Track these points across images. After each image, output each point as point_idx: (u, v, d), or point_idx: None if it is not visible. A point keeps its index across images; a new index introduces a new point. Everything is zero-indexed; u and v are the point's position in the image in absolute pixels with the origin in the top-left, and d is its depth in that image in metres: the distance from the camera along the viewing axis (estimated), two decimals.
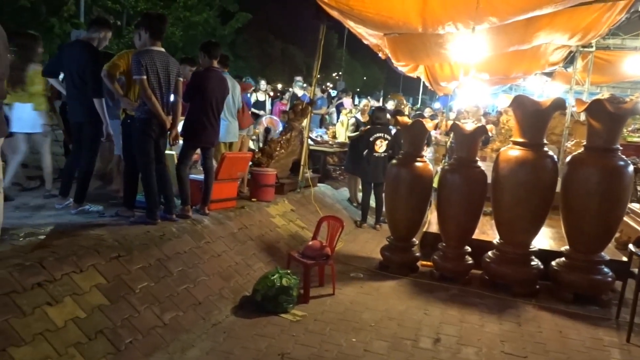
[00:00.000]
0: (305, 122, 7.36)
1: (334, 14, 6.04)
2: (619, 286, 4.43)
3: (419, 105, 20.42)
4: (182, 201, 4.81)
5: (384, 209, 6.35)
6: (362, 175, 7.49)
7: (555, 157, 4.82)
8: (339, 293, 4.55)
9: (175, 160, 5.07)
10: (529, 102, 4.68)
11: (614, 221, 4.55)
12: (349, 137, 8.26)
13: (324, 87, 15.22)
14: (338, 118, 11.42)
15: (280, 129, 8.32)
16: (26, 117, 5.02)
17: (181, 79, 4.64)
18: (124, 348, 3.09)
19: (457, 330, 3.94)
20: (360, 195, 7.80)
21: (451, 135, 6.71)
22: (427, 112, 13.10)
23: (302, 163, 7.29)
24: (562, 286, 4.67)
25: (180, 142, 4.91)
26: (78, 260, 3.36)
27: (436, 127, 6.22)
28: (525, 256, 4.78)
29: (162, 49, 4.39)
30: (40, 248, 3.41)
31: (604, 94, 4.55)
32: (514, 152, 4.71)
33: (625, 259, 4.45)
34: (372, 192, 7.35)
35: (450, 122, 5.61)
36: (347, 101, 12.98)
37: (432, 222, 5.97)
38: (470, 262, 5.07)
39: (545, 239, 5.45)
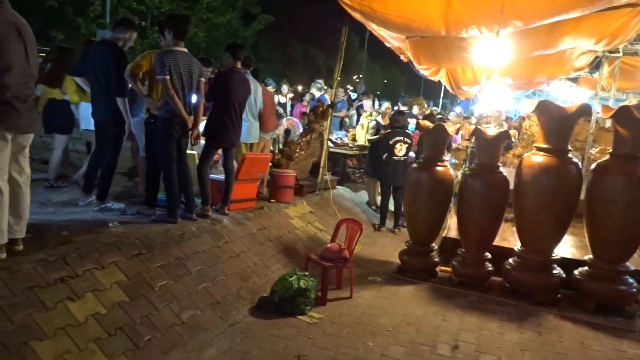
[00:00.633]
0: (325, 124, 7.36)
1: (356, 16, 6.03)
2: None
3: (439, 109, 20.25)
4: (202, 201, 4.85)
5: (402, 213, 6.31)
6: (381, 179, 7.46)
7: (579, 164, 4.73)
8: (356, 296, 4.53)
9: (197, 160, 5.11)
10: (554, 108, 4.60)
11: (639, 230, 4.45)
12: (368, 140, 8.23)
13: (345, 90, 15.21)
14: (358, 121, 11.39)
15: (300, 130, 8.33)
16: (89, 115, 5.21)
17: (203, 79, 4.68)
18: (143, 345, 3.12)
19: (475, 338, 3.88)
20: (379, 198, 7.77)
21: (472, 139, 6.65)
22: (452, 116, 12.94)
23: (321, 165, 7.29)
24: (584, 296, 4.58)
25: (202, 142, 4.94)
26: (100, 257, 3.41)
27: (457, 131, 6.17)
28: (547, 264, 4.69)
29: (185, 50, 4.43)
30: (63, 244, 3.47)
31: (631, 101, 4.46)
32: (537, 158, 4.64)
33: None
34: (391, 195, 7.31)
35: (472, 127, 5.55)
36: (367, 103, 12.93)
37: (451, 227, 5.91)
38: (490, 268, 5.00)
39: (567, 247, 5.35)
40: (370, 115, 9.87)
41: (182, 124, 4.42)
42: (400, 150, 7.08)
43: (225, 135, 4.97)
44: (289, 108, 11.11)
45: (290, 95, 12.20)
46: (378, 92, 35.03)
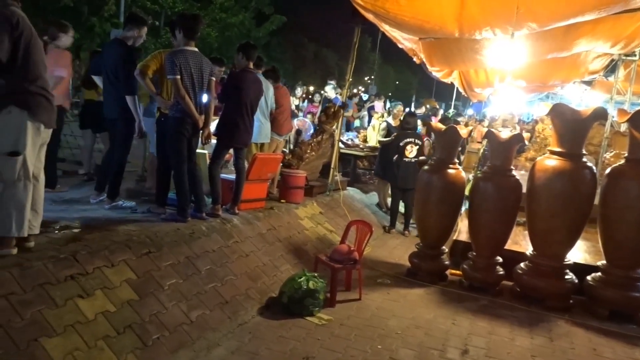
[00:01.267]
0: (336, 125, 7.34)
1: (369, 16, 6.00)
2: None
3: (451, 111, 20.15)
4: (212, 200, 4.85)
5: (413, 215, 6.27)
6: (392, 180, 7.43)
7: (594, 168, 4.67)
8: (365, 298, 4.51)
9: (208, 160, 5.12)
10: (568, 111, 4.55)
11: None
12: (379, 142, 8.20)
13: (355, 91, 15.18)
14: (369, 122, 11.36)
15: (311, 131, 8.32)
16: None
17: (214, 79, 4.69)
18: (151, 344, 3.13)
19: (486, 343, 3.84)
20: (389, 200, 7.73)
21: (484, 142, 6.61)
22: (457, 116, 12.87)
23: (332, 166, 7.27)
24: (597, 302, 4.51)
25: (213, 141, 4.95)
26: (110, 255, 3.43)
27: (470, 134, 6.12)
28: (559, 269, 4.63)
29: (196, 49, 4.44)
30: (74, 241, 3.48)
31: None
32: (551, 162, 4.58)
33: None
34: (401, 197, 7.27)
35: (484, 129, 5.51)
36: (378, 104, 12.91)
37: (462, 230, 5.86)
38: (501, 272, 4.94)
39: (580, 252, 5.27)
40: (382, 116, 9.84)
41: (193, 124, 4.43)
42: (410, 152, 7.05)
43: (237, 135, 4.97)
44: (302, 109, 11.13)
45: (302, 95, 12.22)
46: (390, 94, 34.97)
